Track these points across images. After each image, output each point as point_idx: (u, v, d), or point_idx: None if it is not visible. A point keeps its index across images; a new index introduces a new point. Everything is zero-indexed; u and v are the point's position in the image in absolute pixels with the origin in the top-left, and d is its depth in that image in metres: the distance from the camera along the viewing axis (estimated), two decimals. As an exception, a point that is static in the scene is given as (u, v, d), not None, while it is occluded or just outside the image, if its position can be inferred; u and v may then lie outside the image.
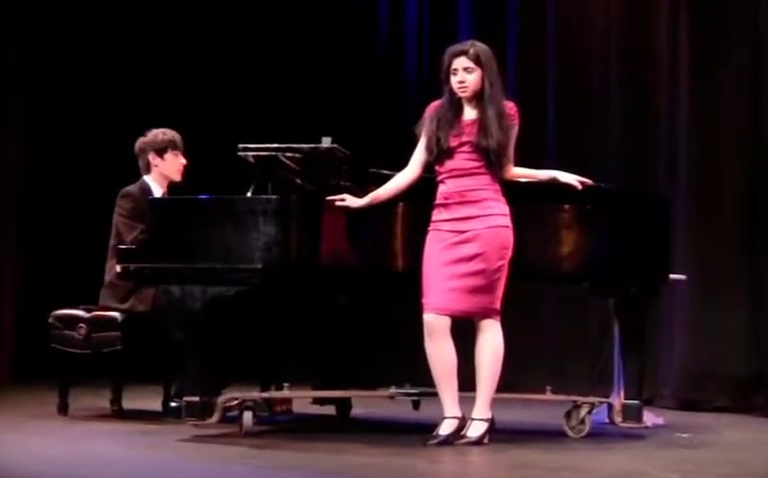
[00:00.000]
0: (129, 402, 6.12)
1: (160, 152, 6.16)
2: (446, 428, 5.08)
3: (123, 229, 5.99)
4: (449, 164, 5.15)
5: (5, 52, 7.89)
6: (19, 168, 8.02)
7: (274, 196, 5.33)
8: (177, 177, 6.18)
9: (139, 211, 5.93)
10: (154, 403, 6.18)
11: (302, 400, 5.95)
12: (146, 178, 6.18)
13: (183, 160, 6.20)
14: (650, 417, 5.78)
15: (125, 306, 5.97)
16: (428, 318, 5.08)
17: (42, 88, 8.16)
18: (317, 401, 5.98)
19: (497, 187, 5.16)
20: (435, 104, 5.23)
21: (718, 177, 6.85)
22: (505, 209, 5.15)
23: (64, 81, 8.29)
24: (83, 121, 8.29)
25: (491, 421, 5.14)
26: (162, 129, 6.21)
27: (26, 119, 8.05)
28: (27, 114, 8.05)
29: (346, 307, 6.04)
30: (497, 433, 5.18)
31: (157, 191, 6.11)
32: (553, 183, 5.34)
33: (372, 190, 5.30)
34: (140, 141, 6.22)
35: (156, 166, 6.16)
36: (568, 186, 5.32)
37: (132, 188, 6.14)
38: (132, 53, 8.43)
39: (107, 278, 6.06)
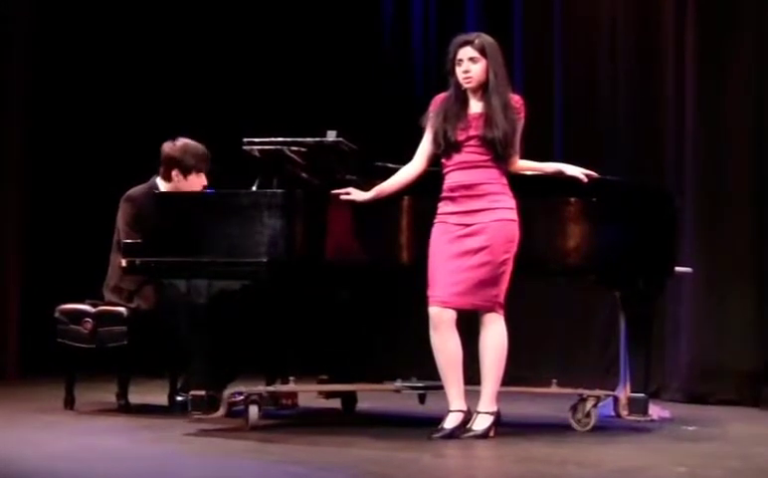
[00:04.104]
0: (135, 397, 6.12)
1: (185, 172, 6.03)
2: (451, 422, 5.08)
3: (123, 234, 5.97)
4: (456, 158, 5.14)
5: (4, 48, 7.88)
6: (21, 163, 8.01)
7: (279, 190, 5.32)
8: None
9: (140, 218, 5.87)
10: (160, 398, 6.19)
11: (308, 394, 5.95)
12: (159, 182, 6.08)
13: (204, 182, 6.07)
14: (656, 410, 5.77)
15: (130, 304, 5.97)
16: (433, 311, 5.08)
17: (43, 82, 8.14)
18: (323, 395, 5.97)
19: (504, 181, 5.15)
20: (440, 96, 5.22)
21: (725, 170, 6.83)
22: (512, 203, 5.14)
23: (65, 75, 8.28)
24: (85, 115, 8.28)
25: (497, 414, 5.13)
26: (194, 146, 6.05)
27: (27, 113, 8.04)
28: (28, 108, 8.04)
29: (351, 300, 6.04)
30: (503, 427, 5.18)
31: None
32: (559, 176, 5.33)
33: (378, 184, 5.29)
34: (169, 149, 6.05)
35: (177, 183, 6.06)
36: (574, 179, 5.31)
37: (137, 192, 6.05)
38: (136, 46, 8.42)
39: (110, 278, 6.04)
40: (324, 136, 5.39)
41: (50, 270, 7.92)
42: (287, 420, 5.70)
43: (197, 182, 6.07)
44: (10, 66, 7.91)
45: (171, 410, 5.97)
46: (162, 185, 6.09)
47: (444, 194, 5.15)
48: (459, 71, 5.14)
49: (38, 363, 7.30)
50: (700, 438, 5.36)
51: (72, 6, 8.26)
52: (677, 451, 4.94)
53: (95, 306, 6.04)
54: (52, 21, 8.21)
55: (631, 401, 5.58)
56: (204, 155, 6.08)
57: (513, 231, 5.12)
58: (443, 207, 5.15)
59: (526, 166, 5.27)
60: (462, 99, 5.16)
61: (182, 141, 6.09)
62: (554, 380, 5.61)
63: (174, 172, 6.06)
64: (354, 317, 6.12)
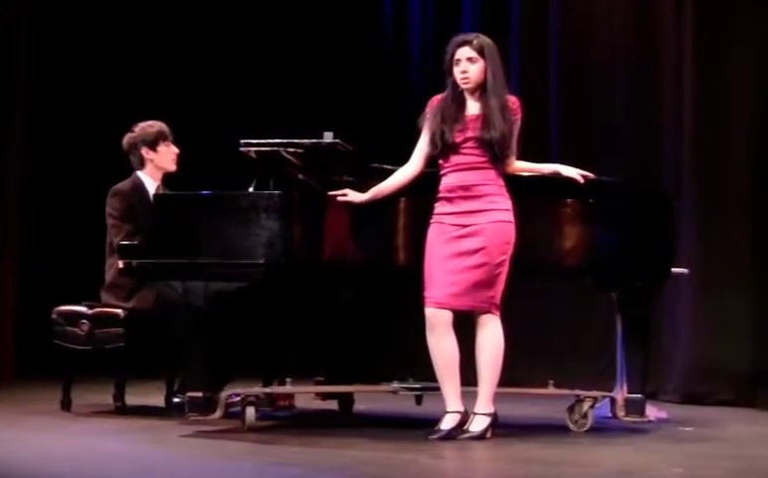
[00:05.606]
0: (132, 398, 6.11)
1: (152, 145, 6.13)
2: (448, 423, 5.07)
3: (112, 229, 5.99)
4: (453, 159, 5.14)
5: (6, 50, 7.88)
6: (20, 164, 8.02)
7: (276, 192, 5.33)
8: (172, 167, 6.18)
9: (128, 210, 5.94)
10: (157, 399, 6.18)
11: (305, 396, 5.95)
12: (140, 173, 6.15)
13: (176, 149, 6.19)
14: (653, 411, 5.76)
15: (127, 305, 5.97)
16: (429, 312, 5.08)
17: (43, 83, 8.15)
18: (320, 396, 5.97)
19: (502, 182, 5.15)
20: (437, 97, 5.22)
21: (723, 171, 6.83)
22: (509, 204, 5.14)
23: (65, 76, 8.28)
24: (84, 117, 8.28)
25: (494, 416, 5.13)
26: (148, 122, 6.17)
27: (26, 115, 8.04)
28: (27, 110, 8.04)
29: (348, 302, 6.04)
30: (500, 428, 5.18)
31: (151, 185, 6.11)
32: (556, 177, 5.33)
33: (374, 185, 5.29)
34: (129, 137, 6.17)
35: (151, 161, 6.14)
36: (571, 180, 5.31)
37: (123, 186, 6.11)
38: (134, 48, 8.42)
39: (108, 278, 6.05)
40: (321, 138, 5.40)
41: (46, 271, 7.91)
42: (283, 422, 5.70)
43: (168, 152, 6.16)
44: (11, 66, 7.92)
45: (168, 412, 5.96)
46: (142, 176, 6.14)
47: (440, 195, 5.15)
48: (456, 71, 5.14)
49: (34, 365, 7.29)
50: (697, 439, 5.36)
51: (73, 10, 8.27)
52: (674, 452, 4.94)
53: (91, 307, 6.04)
54: (53, 23, 8.22)
55: (628, 402, 5.58)
56: (162, 126, 6.16)
57: (510, 232, 5.12)
58: (439, 208, 5.15)
59: (523, 167, 5.27)
60: (459, 99, 5.16)
61: (138, 125, 6.18)
62: (551, 382, 5.62)
63: (143, 151, 6.13)
64: (351, 318, 6.12)
